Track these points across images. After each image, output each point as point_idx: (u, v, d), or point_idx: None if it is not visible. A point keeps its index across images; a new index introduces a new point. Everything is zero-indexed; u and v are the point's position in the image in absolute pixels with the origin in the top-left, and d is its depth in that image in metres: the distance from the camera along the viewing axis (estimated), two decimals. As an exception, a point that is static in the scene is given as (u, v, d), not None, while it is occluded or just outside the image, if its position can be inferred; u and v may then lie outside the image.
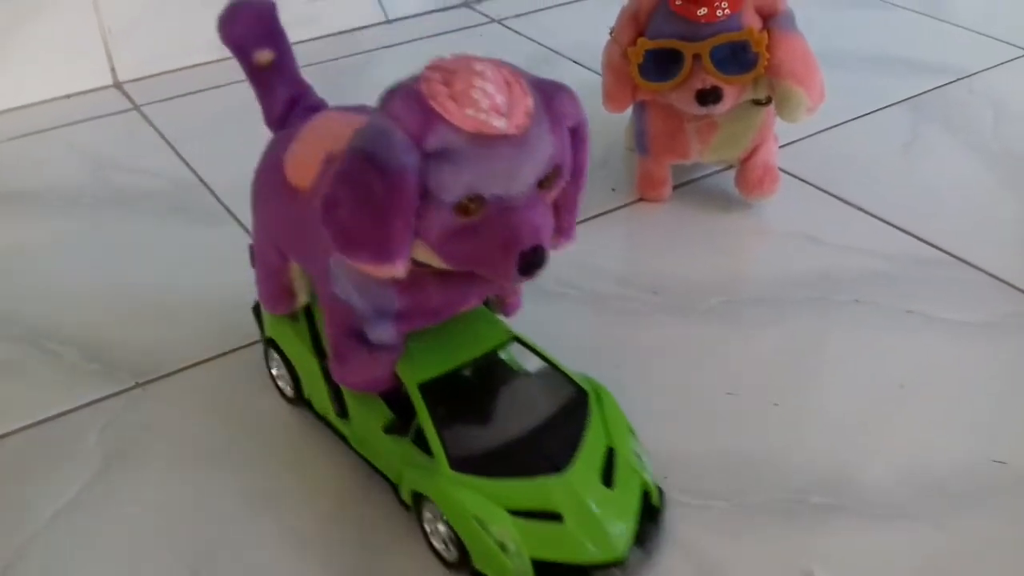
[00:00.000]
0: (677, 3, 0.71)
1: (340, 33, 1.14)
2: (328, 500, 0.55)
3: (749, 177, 0.80)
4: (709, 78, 0.71)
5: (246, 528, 0.54)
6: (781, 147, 0.83)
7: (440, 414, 0.49)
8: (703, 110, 0.73)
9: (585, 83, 1.03)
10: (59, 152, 0.91)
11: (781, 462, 0.58)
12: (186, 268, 0.75)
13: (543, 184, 0.45)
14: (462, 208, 0.43)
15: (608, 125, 0.92)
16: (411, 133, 0.42)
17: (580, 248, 0.76)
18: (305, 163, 0.50)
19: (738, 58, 0.71)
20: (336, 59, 1.08)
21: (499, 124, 0.42)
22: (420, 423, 0.50)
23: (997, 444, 0.59)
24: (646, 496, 0.51)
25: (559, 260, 0.75)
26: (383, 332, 0.50)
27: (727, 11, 0.70)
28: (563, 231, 0.50)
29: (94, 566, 0.52)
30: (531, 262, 0.44)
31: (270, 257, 0.56)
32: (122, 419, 0.61)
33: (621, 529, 0.48)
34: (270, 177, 0.53)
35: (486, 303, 0.56)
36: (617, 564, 0.47)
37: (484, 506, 0.47)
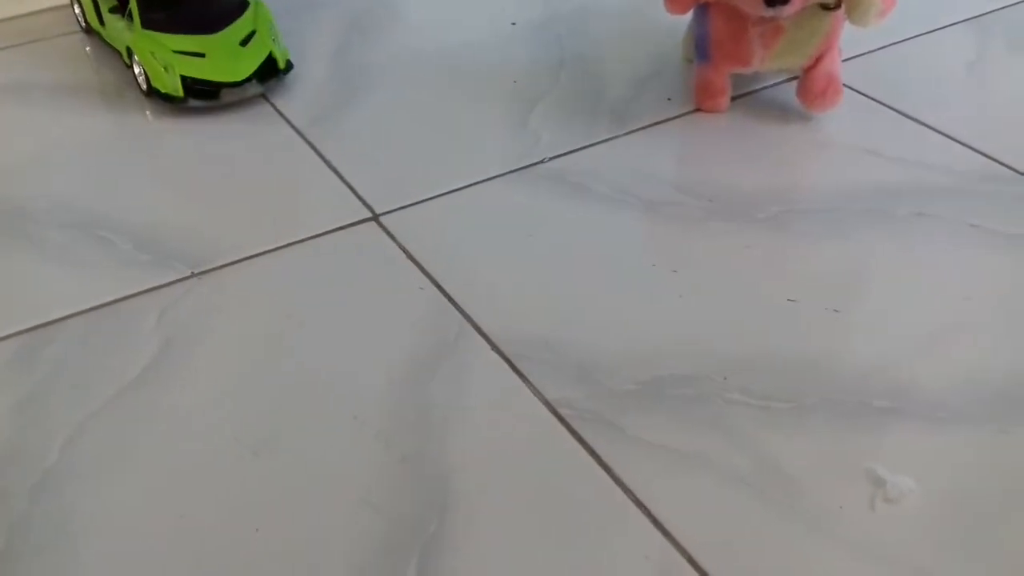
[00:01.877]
0: None
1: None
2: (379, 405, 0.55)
3: (812, 87, 0.77)
4: (778, -23, 0.68)
5: (306, 410, 0.54)
6: (843, 62, 0.81)
7: (146, 6, 0.80)
8: (770, 11, 0.70)
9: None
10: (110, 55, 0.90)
11: (843, 367, 0.57)
12: (239, 159, 0.75)
13: None
14: None
15: (664, 34, 0.90)
16: None
17: (635, 156, 0.76)
18: None
19: (809, -43, 0.69)
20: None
21: None
22: (130, 7, 0.80)
23: (1065, 355, 0.57)
24: (273, 59, 0.81)
25: (614, 167, 0.75)
26: None
27: (801, -94, 0.67)
28: None
29: (152, 447, 0.52)
30: None
31: None
32: (180, 305, 0.61)
33: (242, 66, 0.79)
34: None
35: None
36: (236, 84, 0.79)
37: (156, 46, 0.79)
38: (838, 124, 0.79)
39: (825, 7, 0.73)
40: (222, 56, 0.79)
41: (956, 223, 0.68)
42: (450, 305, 0.61)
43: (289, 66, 0.83)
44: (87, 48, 0.91)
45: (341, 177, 0.73)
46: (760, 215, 0.69)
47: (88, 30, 0.91)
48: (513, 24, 0.94)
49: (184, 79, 0.78)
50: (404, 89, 0.84)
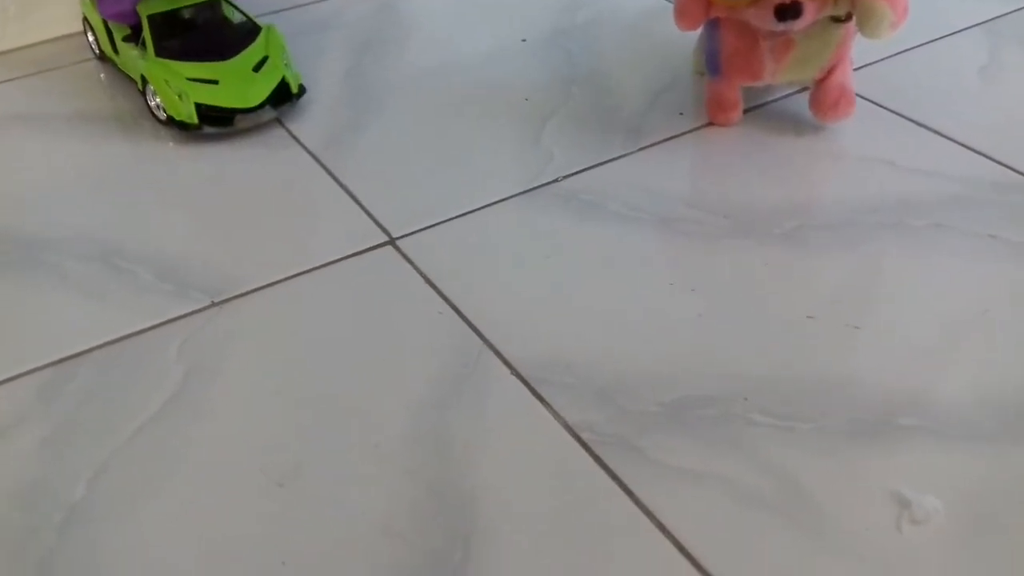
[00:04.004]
0: (757, -87, 0.68)
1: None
2: (402, 413, 0.56)
3: (825, 99, 0.77)
4: (789, -8, 0.68)
5: (328, 439, 0.54)
6: (854, 71, 0.80)
7: (161, 34, 0.81)
8: (781, 26, 0.70)
9: (644, 5, 1.00)
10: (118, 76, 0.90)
11: (864, 385, 0.57)
12: (255, 184, 0.75)
13: None
14: None
15: (674, 48, 0.90)
16: None
17: (649, 172, 0.76)
18: None
19: (819, -29, 0.68)
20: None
21: None
22: (144, 35, 0.81)
23: (1088, 368, 0.57)
24: (286, 84, 0.82)
25: (628, 184, 0.75)
26: None
27: (810, -79, 0.67)
28: None
29: (178, 480, 0.52)
30: None
31: None
32: (201, 335, 0.61)
33: (256, 92, 0.80)
34: None
35: None
36: (250, 110, 0.80)
37: (170, 73, 0.79)
38: (851, 135, 0.79)
39: (836, 20, 0.73)
40: (235, 82, 0.80)
41: (974, 234, 0.68)
42: (469, 329, 0.61)
43: (302, 90, 0.84)
44: (101, 75, 0.92)
45: (357, 200, 0.73)
46: (776, 230, 0.69)
47: (102, 57, 0.92)
48: (523, 40, 0.95)
49: (198, 106, 0.79)
50: (417, 109, 0.85)
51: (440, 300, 0.64)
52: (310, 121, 0.83)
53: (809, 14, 0.70)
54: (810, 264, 0.66)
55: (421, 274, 0.66)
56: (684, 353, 0.59)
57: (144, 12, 0.82)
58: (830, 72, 0.76)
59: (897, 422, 0.54)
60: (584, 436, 0.53)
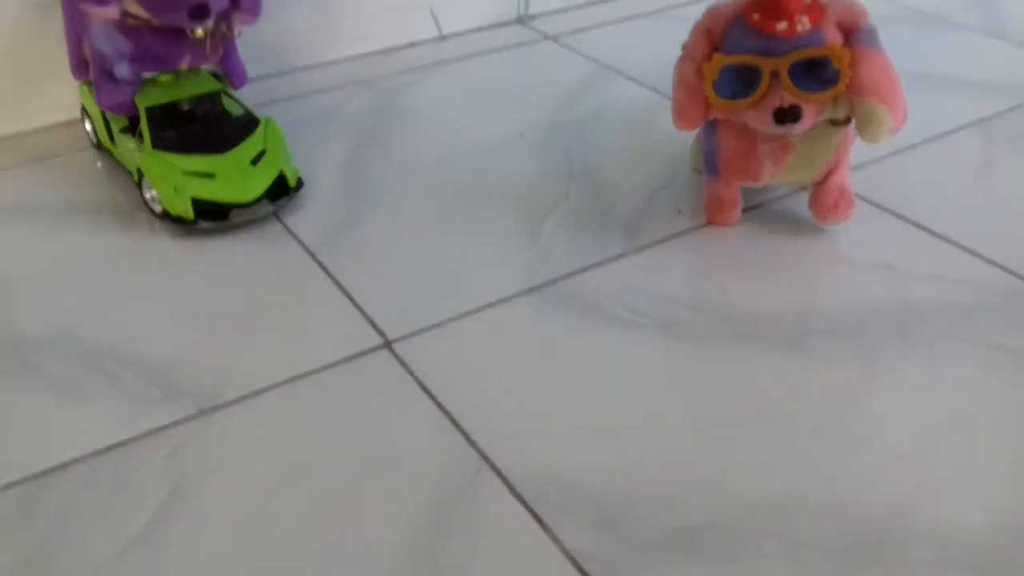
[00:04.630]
0: (755, 17, 0.69)
1: (393, 49, 1.13)
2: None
3: (824, 201, 0.77)
4: (788, 96, 0.68)
5: (321, 570, 0.52)
6: (851, 169, 0.80)
7: (157, 126, 0.81)
8: (780, 129, 0.70)
9: (641, 100, 1.01)
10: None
11: (878, 510, 0.54)
12: (249, 282, 0.74)
13: None
14: None
15: (672, 144, 0.90)
16: None
17: (648, 273, 0.75)
18: None
19: (818, 75, 0.69)
20: (388, 76, 1.07)
21: None
22: (141, 127, 0.81)
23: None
24: (284, 178, 0.81)
25: (627, 285, 0.73)
26: (123, 70, 0.81)
27: (808, 26, 0.68)
28: (246, 10, 0.82)
29: (160, 604, 0.50)
30: (197, 12, 0.76)
31: (72, 36, 0.85)
32: (188, 447, 0.59)
33: (252, 187, 0.79)
34: None
35: (216, 78, 0.86)
36: (247, 205, 0.79)
37: (166, 166, 0.79)
38: (851, 236, 0.79)
39: (835, 123, 0.73)
40: (232, 176, 0.79)
41: (983, 344, 0.67)
42: (466, 443, 0.59)
43: (300, 184, 0.83)
44: (98, 164, 0.91)
45: (352, 300, 0.72)
46: (779, 338, 0.68)
47: (99, 147, 0.92)
48: (521, 134, 0.95)
49: (195, 201, 0.78)
50: (414, 204, 0.84)
51: (437, 410, 0.62)
52: (307, 215, 0.82)
53: (808, 118, 0.70)
54: (814, 374, 0.65)
55: (417, 381, 0.64)
56: (688, 472, 0.57)
57: (143, 104, 0.81)
58: (829, 174, 0.76)
59: (914, 553, 0.52)
60: (587, 568, 0.51)
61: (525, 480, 0.56)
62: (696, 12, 0.74)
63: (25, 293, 0.73)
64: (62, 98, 0.96)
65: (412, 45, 1.14)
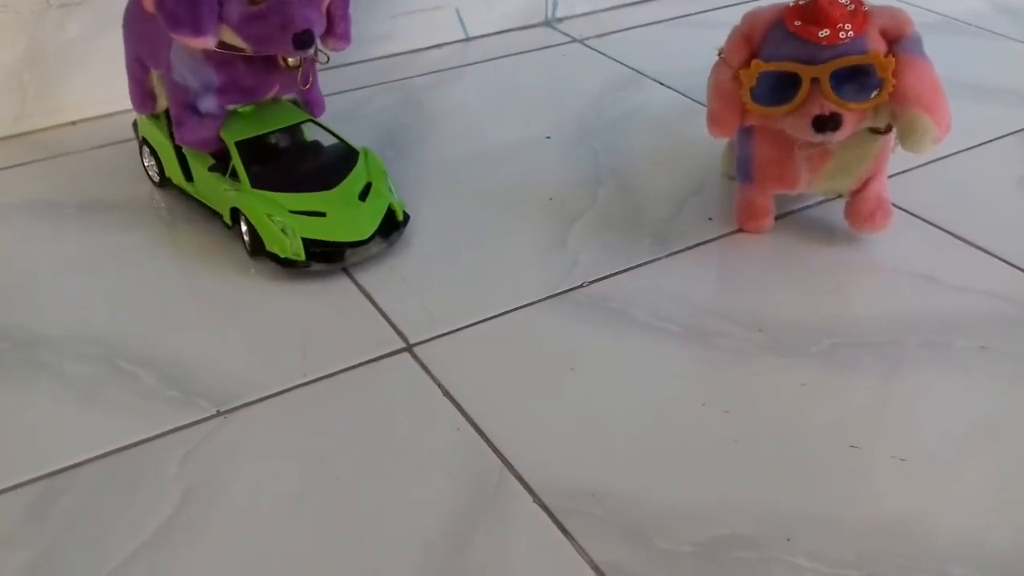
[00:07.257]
0: (796, 24, 0.67)
1: (419, 50, 1.12)
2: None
3: (861, 209, 0.75)
4: (828, 104, 0.66)
5: (346, 564, 0.50)
6: (888, 178, 0.78)
7: (249, 161, 0.73)
8: (819, 137, 0.68)
9: (670, 105, 0.99)
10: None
11: (915, 527, 0.52)
12: (266, 289, 0.72)
13: None
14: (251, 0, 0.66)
15: (703, 149, 0.88)
16: None
17: (677, 280, 0.73)
18: None
19: (860, 83, 0.67)
20: (413, 77, 1.06)
21: None
22: (234, 164, 0.73)
23: None
24: (392, 212, 0.74)
25: (656, 292, 0.72)
26: (209, 103, 0.73)
27: (851, 33, 0.66)
28: (339, 36, 0.75)
29: (173, 610, 0.48)
30: (303, 40, 0.68)
31: (136, 68, 0.79)
32: (204, 448, 0.57)
33: (365, 224, 0.72)
34: (133, 8, 0.77)
35: (296, 105, 0.79)
36: (361, 244, 0.72)
37: (272, 206, 0.71)
38: (887, 246, 0.76)
39: (875, 131, 0.71)
40: (343, 214, 0.72)
41: (1020, 358, 0.64)
42: (488, 448, 0.57)
43: (407, 218, 0.76)
44: (116, 163, 0.90)
45: (374, 302, 0.70)
46: (813, 348, 0.66)
47: (163, 183, 0.82)
48: (548, 138, 0.93)
49: (305, 242, 0.70)
50: (438, 207, 0.82)
51: (459, 414, 0.60)
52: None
53: (848, 126, 0.68)
54: (850, 386, 0.63)
55: (439, 384, 0.63)
56: (720, 484, 0.55)
57: (231, 139, 0.73)
58: (867, 183, 0.74)
59: (951, 571, 0.50)
60: (614, 581, 0.49)
61: (549, 488, 0.55)
62: (722, 18, 0.73)
63: (42, 291, 0.72)
64: (85, 93, 0.96)
65: (438, 46, 1.13)
